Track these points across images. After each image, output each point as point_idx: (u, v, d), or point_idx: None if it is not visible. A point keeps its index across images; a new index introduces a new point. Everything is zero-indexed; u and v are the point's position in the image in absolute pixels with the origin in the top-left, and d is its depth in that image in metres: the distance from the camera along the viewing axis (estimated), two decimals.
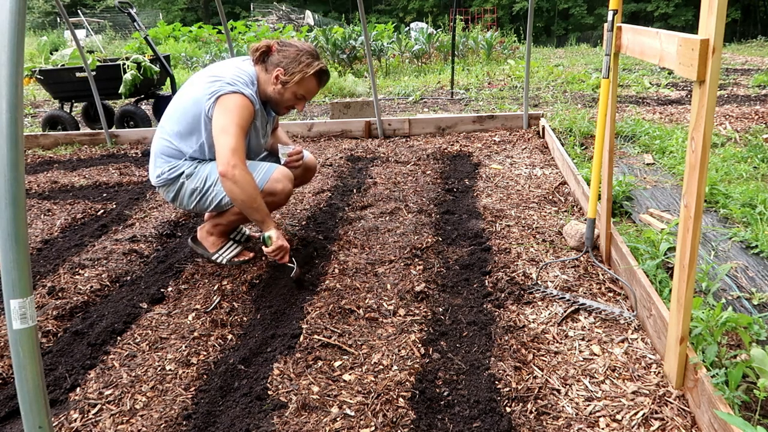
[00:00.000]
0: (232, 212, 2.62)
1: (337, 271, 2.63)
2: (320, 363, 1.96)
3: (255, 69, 2.51)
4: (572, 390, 1.78)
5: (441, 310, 2.29)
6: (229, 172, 2.29)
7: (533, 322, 2.16)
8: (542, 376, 1.85)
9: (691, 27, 22.11)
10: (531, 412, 1.68)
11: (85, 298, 2.47)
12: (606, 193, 2.50)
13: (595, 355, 1.95)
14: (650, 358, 1.90)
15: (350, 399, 1.77)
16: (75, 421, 1.73)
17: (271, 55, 2.50)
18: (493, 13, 21.17)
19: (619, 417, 1.65)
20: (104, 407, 1.80)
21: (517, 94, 7.88)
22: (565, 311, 2.21)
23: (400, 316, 2.24)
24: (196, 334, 2.15)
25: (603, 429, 1.62)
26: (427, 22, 17.50)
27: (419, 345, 2.04)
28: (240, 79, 2.42)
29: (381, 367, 1.93)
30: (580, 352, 1.97)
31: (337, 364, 1.95)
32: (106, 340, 2.15)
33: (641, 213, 3.21)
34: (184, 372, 1.94)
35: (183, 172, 2.54)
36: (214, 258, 2.71)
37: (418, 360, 1.96)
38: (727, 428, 1.40)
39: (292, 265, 2.46)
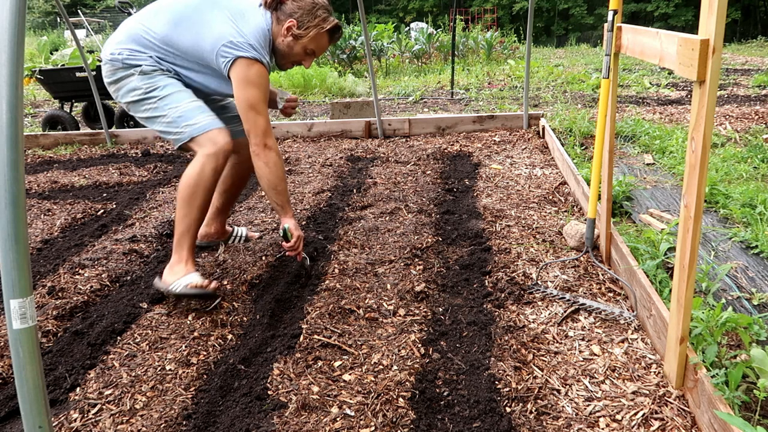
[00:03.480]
0: (183, 200, 2.34)
1: (337, 271, 2.63)
2: (320, 363, 1.96)
3: (269, 18, 2.40)
4: (572, 390, 1.78)
5: (441, 310, 2.29)
6: (262, 154, 2.31)
7: (533, 322, 2.16)
8: (542, 376, 1.85)
9: (691, 27, 22.11)
10: (531, 412, 1.68)
11: (85, 298, 2.47)
12: (606, 193, 2.50)
13: (595, 355, 1.95)
14: (650, 358, 1.90)
15: (350, 399, 1.77)
16: (75, 421, 1.73)
17: (285, 3, 2.40)
18: (493, 13, 21.16)
19: (619, 417, 1.65)
20: (104, 407, 1.80)
21: (517, 94, 7.88)
22: (565, 311, 2.21)
23: (400, 316, 2.24)
24: (196, 334, 2.15)
25: (603, 429, 1.62)
26: (427, 22, 17.50)
27: (419, 345, 2.04)
28: (260, 39, 2.32)
29: (381, 367, 1.93)
30: (580, 352, 1.97)
31: (337, 364, 1.95)
32: (106, 340, 2.15)
33: (641, 213, 3.21)
34: (184, 372, 1.94)
35: (140, 66, 2.36)
36: (170, 289, 2.31)
37: (418, 360, 1.96)
38: (727, 428, 1.40)
39: (305, 256, 2.51)
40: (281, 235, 2.43)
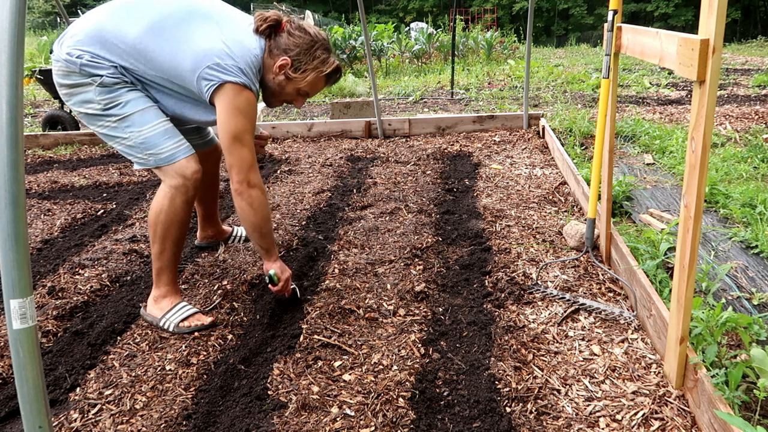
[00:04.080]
0: (160, 225, 2.14)
1: (337, 271, 2.63)
2: (320, 363, 1.96)
3: (263, 45, 2.09)
4: (572, 390, 1.78)
5: (441, 310, 2.29)
6: (246, 193, 2.03)
7: (533, 322, 2.16)
8: (542, 376, 1.85)
9: (691, 27, 22.11)
10: (531, 412, 1.68)
11: (85, 298, 2.47)
12: (606, 193, 2.50)
13: (595, 355, 1.95)
14: (650, 358, 1.90)
15: (350, 399, 1.77)
16: (75, 421, 1.73)
17: (280, 36, 2.10)
18: (493, 13, 21.17)
19: (619, 417, 1.65)
20: (104, 407, 1.80)
21: (517, 94, 7.88)
22: (565, 311, 2.21)
23: (400, 316, 2.24)
24: (196, 333, 2.15)
25: (603, 429, 1.62)
26: (427, 22, 17.50)
27: (419, 345, 2.04)
28: (252, 65, 2.03)
29: (381, 367, 1.93)
30: (580, 352, 1.97)
31: (337, 364, 1.95)
32: (106, 340, 2.15)
33: (641, 213, 3.21)
34: (184, 372, 1.94)
35: (101, 76, 2.01)
36: (160, 324, 2.19)
37: (418, 360, 1.96)
38: (727, 428, 1.40)
39: (293, 286, 2.36)
40: (266, 280, 2.20)
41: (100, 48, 2.01)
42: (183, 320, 2.18)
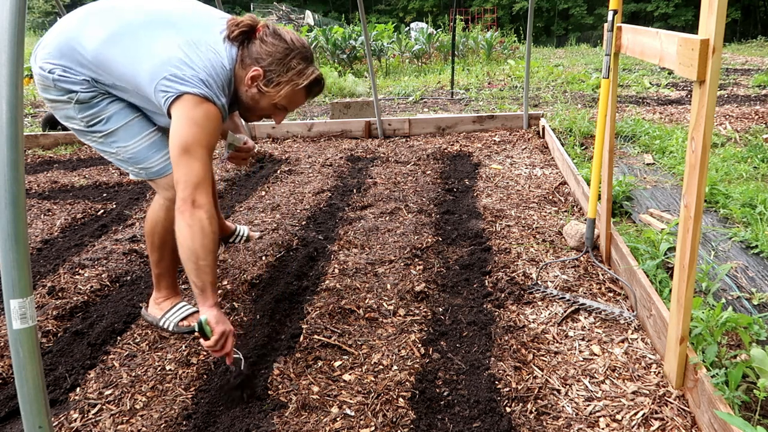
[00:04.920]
0: (158, 235, 2.09)
1: (337, 271, 2.63)
2: (320, 363, 1.96)
3: (234, 55, 1.89)
4: (572, 390, 1.78)
5: (441, 310, 2.29)
6: (187, 212, 1.73)
7: (533, 322, 2.16)
8: (542, 376, 1.85)
9: (691, 27, 22.11)
10: (531, 412, 1.68)
11: (85, 298, 2.47)
12: (606, 193, 2.50)
13: (595, 355, 1.95)
14: (650, 358, 1.90)
15: (350, 399, 1.77)
16: (75, 421, 1.73)
17: (253, 43, 1.88)
18: (493, 13, 21.17)
19: (619, 417, 1.65)
20: (104, 407, 1.80)
21: (517, 94, 7.88)
22: (565, 311, 2.21)
23: (400, 316, 2.24)
24: (196, 333, 2.15)
25: (603, 429, 1.62)
26: (427, 22, 17.50)
27: (419, 345, 2.04)
28: (216, 77, 1.81)
29: (381, 367, 1.93)
30: (580, 352, 1.97)
31: (337, 364, 1.95)
32: (106, 340, 2.15)
33: (641, 213, 3.21)
34: (184, 372, 1.94)
35: (76, 93, 1.88)
36: (160, 324, 2.18)
37: (418, 360, 1.96)
38: (727, 428, 1.40)
39: (238, 355, 1.84)
40: (196, 329, 1.75)
41: (68, 60, 1.86)
42: (182, 319, 2.17)
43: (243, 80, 1.90)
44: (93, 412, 1.78)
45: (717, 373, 1.62)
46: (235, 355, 1.81)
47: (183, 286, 2.52)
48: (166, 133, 1.95)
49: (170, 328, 2.17)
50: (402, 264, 2.66)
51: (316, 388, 1.83)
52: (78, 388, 1.89)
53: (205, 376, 1.93)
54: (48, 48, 1.89)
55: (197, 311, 2.16)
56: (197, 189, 1.75)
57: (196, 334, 1.78)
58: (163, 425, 1.70)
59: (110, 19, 1.88)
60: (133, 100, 1.96)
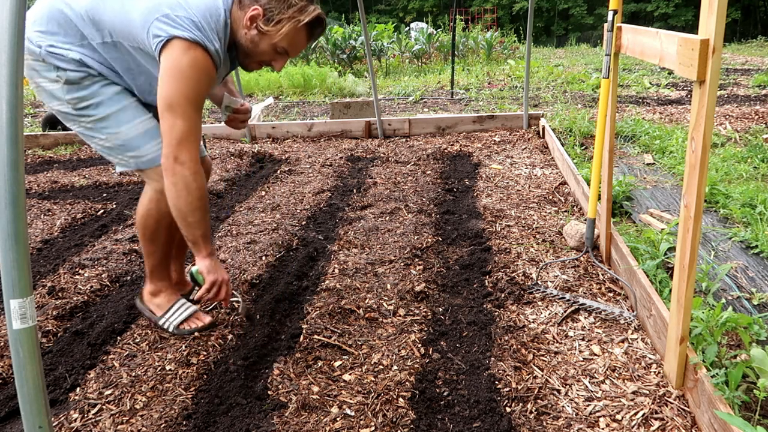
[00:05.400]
0: (149, 216, 1.97)
1: (337, 271, 2.63)
2: (320, 363, 1.96)
3: None
4: (572, 390, 1.78)
5: (441, 310, 2.29)
6: (170, 169, 1.73)
7: (533, 322, 2.16)
8: (542, 376, 1.85)
9: (691, 27, 22.12)
10: (531, 412, 1.68)
11: (85, 298, 2.47)
12: (606, 193, 2.50)
13: (595, 355, 1.95)
14: (650, 358, 1.90)
15: (350, 399, 1.77)
16: (75, 421, 1.73)
17: None
18: (493, 13, 21.16)
19: (619, 417, 1.65)
20: (104, 407, 1.80)
21: (517, 94, 7.88)
22: (565, 311, 2.21)
23: (400, 316, 2.24)
24: (196, 334, 2.15)
25: (603, 429, 1.62)
26: (427, 22, 17.50)
27: (419, 345, 2.04)
28: (210, 20, 1.74)
29: (381, 367, 1.93)
30: (580, 352, 1.97)
31: (337, 364, 1.95)
32: (106, 340, 2.15)
33: (641, 213, 3.21)
34: (184, 372, 1.94)
35: (65, 71, 1.79)
36: (160, 323, 2.13)
37: (418, 360, 1.96)
38: (727, 428, 1.40)
39: (236, 298, 1.99)
40: (189, 279, 1.89)
41: (56, 26, 1.77)
42: (182, 322, 2.11)
43: (241, 22, 1.81)
44: (93, 412, 1.78)
45: (717, 373, 1.62)
46: (233, 299, 1.84)
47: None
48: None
49: (170, 330, 2.11)
50: (402, 264, 2.66)
51: (316, 388, 1.83)
52: (78, 388, 1.89)
53: (205, 376, 1.93)
54: (35, 14, 1.81)
55: (196, 310, 2.13)
56: (180, 146, 1.72)
57: (194, 288, 1.84)
58: (163, 425, 1.70)
59: None
60: (126, 74, 1.85)
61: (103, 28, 1.77)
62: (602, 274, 2.50)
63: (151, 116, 1.92)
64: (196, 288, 1.86)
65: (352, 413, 1.71)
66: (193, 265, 1.92)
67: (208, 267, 1.84)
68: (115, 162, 1.94)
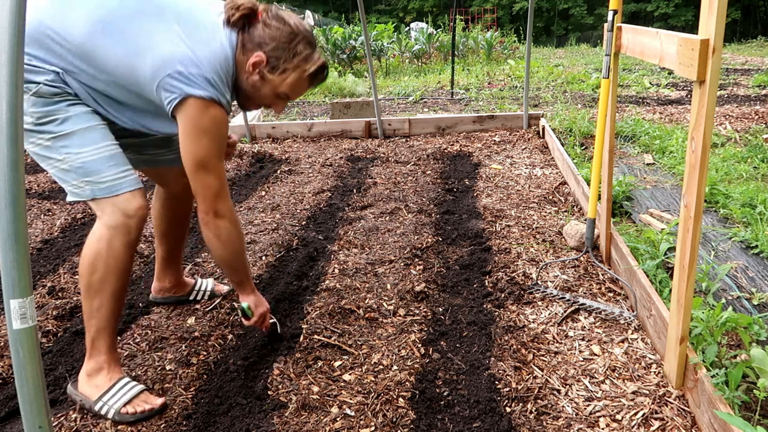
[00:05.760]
0: (93, 284, 1.72)
1: (337, 271, 2.63)
2: (320, 363, 1.96)
3: (234, 40, 1.75)
4: (572, 390, 1.78)
5: (441, 310, 2.29)
6: (212, 223, 1.77)
7: (533, 322, 2.16)
8: (542, 376, 1.85)
9: (691, 27, 22.11)
10: (531, 412, 1.68)
11: None
12: (606, 193, 2.50)
13: (595, 355, 1.95)
14: (650, 358, 1.91)
15: (350, 399, 1.77)
16: (75, 421, 1.73)
17: (255, 27, 1.75)
18: (493, 13, 21.17)
19: (619, 417, 1.65)
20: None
21: (517, 94, 7.88)
22: (565, 311, 2.21)
23: (400, 316, 2.24)
24: (196, 334, 2.15)
25: (603, 429, 1.62)
26: (427, 22, 17.50)
27: (419, 345, 2.04)
28: (220, 70, 1.70)
29: (381, 367, 1.93)
30: (580, 352, 1.97)
31: (337, 364, 1.95)
32: None
33: (641, 213, 3.21)
34: (184, 372, 1.94)
35: (38, 84, 1.63)
36: (95, 408, 1.73)
37: (418, 360, 1.96)
38: (727, 428, 1.40)
39: (273, 320, 2.10)
40: (239, 313, 1.98)
41: (37, 48, 1.62)
42: (126, 404, 1.72)
43: (244, 67, 1.77)
44: None
45: (717, 373, 1.62)
46: (271, 320, 2.08)
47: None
48: (141, 135, 1.87)
49: (110, 416, 1.72)
50: (402, 264, 2.66)
51: (316, 388, 1.83)
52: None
53: (205, 376, 1.93)
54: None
55: (143, 390, 1.78)
56: (217, 199, 1.76)
57: (240, 316, 1.98)
58: (163, 425, 1.70)
59: (94, 3, 1.67)
60: (107, 104, 1.75)
61: (97, 66, 1.67)
62: (602, 274, 2.50)
63: (117, 144, 1.76)
64: (243, 320, 1.99)
65: (352, 413, 1.71)
66: (237, 298, 2.04)
67: (255, 302, 1.97)
68: (68, 189, 1.73)
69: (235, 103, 1.90)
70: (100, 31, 1.65)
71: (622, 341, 2.02)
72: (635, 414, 1.66)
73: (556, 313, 2.20)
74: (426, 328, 2.15)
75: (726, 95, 7.15)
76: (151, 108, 1.77)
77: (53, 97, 1.65)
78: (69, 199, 1.75)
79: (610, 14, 2.22)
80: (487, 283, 2.46)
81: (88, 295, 1.74)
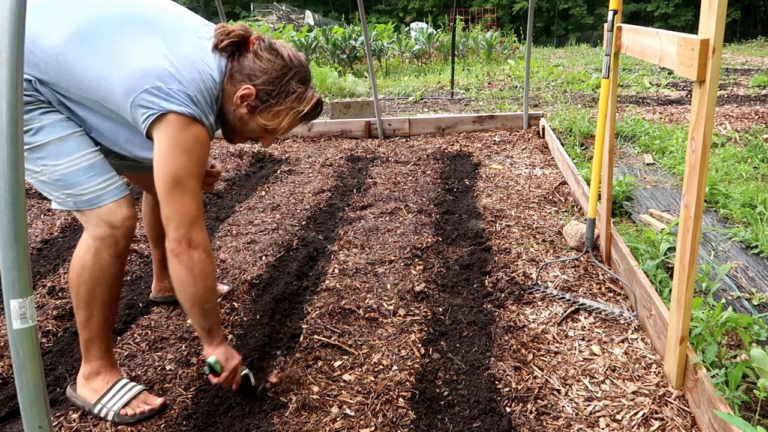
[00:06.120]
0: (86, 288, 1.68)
1: (337, 271, 2.63)
2: (320, 363, 1.96)
3: (223, 66, 1.63)
4: (572, 390, 1.78)
5: (441, 310, 2.29)
6: (184, 254, 1.55)
7: (533, 322, 2.16)
8: (542, 376, 1.85)
9: (691, 27, 22.11)
10: (531, 412, 1.68)
11: None
12: (606, 193, 2.50)
13: (595, 355, 1.95)
14: (650, 358, 1.91)
15: (350, 399, 1.77)
16: (75, 421, 1.73)
17: (245, 56, 1.63)
18: (493, 13, 21.16)
19: (619, 417, 1.65)
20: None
21: (517, 94, 7.88)
22: (565, 311, 2.21)
23: (400, 316, 2.24)
24: (196, 334, 2.15)
25: (603, 429, 1.62)
26: (427, 22, 17.50)
27: (419, 345, 2.04)
28: (205, 90, 1.58)
29: (381, 367, 1.93)
30: (580, 352, 1.97)
31: (337, 364, 1.95)
32: None
33: (641, 213, 3.21)
34: (184, 372, 1.94)
35: None
36: (95, 411, 1.74)
37: (418, 360, 1.96)
38: (727, 428, 1.40)
39: (246, 371, 1.79)
40: (206, 370, 1.68)
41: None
42: (125, 405, 1.73)
43: (231, 98, 1.64)
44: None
45: (717, 373, 1.62)
46: (243, 372, 1.77)
47: None
48: (112, 155, 1.74)
49: (110, 418, 1.72)
50: (402, 264, 2.66)
51: (316, 388, 1.83)
52: None
53: (205, 376, 1.93)
54: None
55: (143, 391, 1.79)
56: (192, 226, 1.56)
57: (207, 373, 1.69)
58: (163, 425, 1.70)
59: (76, 13, 1.57)
60: (83, 111, 1.64)
61: (71, 79, 1.57)
62: (602, 274, 2.50)
63: (98, 151, 1.67)
64: (210, 375, 1.70)
65: (352, 413, 1.71)
66: (203, 353, 1.77)
67: (225, 354, 1.69)
68: (52, 198, 1.67)
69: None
70: (77, 43, 1.54)
71: (622, 341, 2.02)
72: (635, 414, 1.66)
73: (556, 313, 2.20)
74: (426, 328, 2.15)
75: (726, 95, 7.15)
76: (126, 123, 1.64)
77: (26, 105, 1.55)
78: (53, 206, 1.69)
79: (610, 14, 2.22)
80: (487, 283, 2.46)
81: (78, 305, 1.71)
